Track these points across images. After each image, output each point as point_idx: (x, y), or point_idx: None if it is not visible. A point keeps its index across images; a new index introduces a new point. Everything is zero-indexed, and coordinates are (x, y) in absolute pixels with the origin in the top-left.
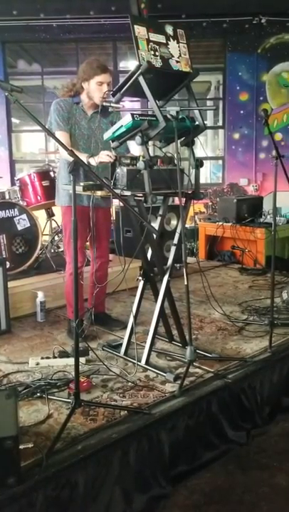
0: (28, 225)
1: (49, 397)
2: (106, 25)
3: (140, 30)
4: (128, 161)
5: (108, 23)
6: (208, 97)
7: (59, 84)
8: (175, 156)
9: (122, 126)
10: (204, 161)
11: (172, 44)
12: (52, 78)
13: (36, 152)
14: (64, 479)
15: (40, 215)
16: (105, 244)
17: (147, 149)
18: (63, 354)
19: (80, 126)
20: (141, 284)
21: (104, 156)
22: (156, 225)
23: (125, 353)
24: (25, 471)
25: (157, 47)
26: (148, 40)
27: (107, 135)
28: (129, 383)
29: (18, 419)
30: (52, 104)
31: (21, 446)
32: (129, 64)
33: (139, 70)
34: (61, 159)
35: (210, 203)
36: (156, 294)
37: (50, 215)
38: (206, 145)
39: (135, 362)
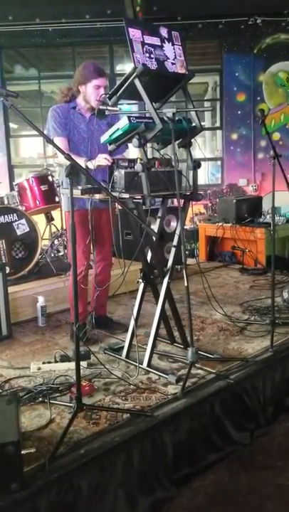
0: (28, 229)
1: (51, 401)
2: (102, 29)
3: (135, 33)
4: (126, 164)
5: (104, 26)
6: (205, 98)
7: (56, 89)
8: (172, 157)
9: (118, 129)
10: (202, 162)
11: (167, 46)
12: (49, 82)
13: (35, 157)
14: (67, 483)
15: (40, 220)
16: (108, 247)
17: (145, 151)
18: (65, 358)
19: (79, 130)
20: (141, 286)
21: (102, 160)
22: (155, 227)
23: (127, 356)
24: (28, 476)
25: (152, 49)
26: (143, 43)
27: (104, 138)
28: (131, 386)
29: (20, 425)
30: (48, 111)
31: (24, 452)
32: (125, 67)
33: (135, 73)
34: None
35: (209, 204)
36: (156, 296)
37: (50, 219)
38: (204, 146)
39: (137, 364)
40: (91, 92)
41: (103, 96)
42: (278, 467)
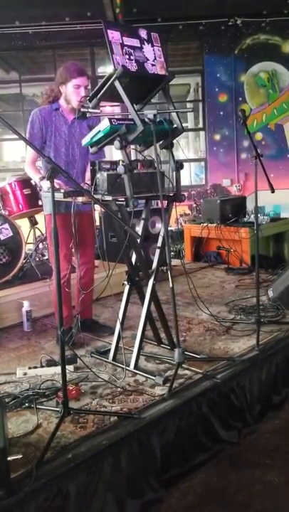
0: (11, 234)
1: (38, 406)
2: (82, 31)
3: (114, 35)
4: (108, 166)
5: (84, 28)
6: (187, 100)
7: (38, 92)
8: (155, 159)
9: (99, 131)
10: (186, 163)
11: (147, 47)
12: (30, 86)
13: (18, 160)
14: (55, 489)
15: (24, 224)
16: (90, 250)
17: (126, 153)
18: (51, 363)
19: (60, 132)
20: (126, 288)
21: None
22: (140, 228)
23: (114, 359)
24: (15, 483)
25: (132, 51)
26: (122, 45)
27: (85, 141)
28: (118, 389)
29: (6, 431)
30: (31, 113)
31: (10, 458)
32: (107, 69)
33: (115, 75)
34: (42, 167)
35: (194, 205)
36: (142, 298)
37: (34, 223)
38: (188, 147)
39: (124, 367)
40: (71, 92)
41: (84, 98)
42: (266, 465)
